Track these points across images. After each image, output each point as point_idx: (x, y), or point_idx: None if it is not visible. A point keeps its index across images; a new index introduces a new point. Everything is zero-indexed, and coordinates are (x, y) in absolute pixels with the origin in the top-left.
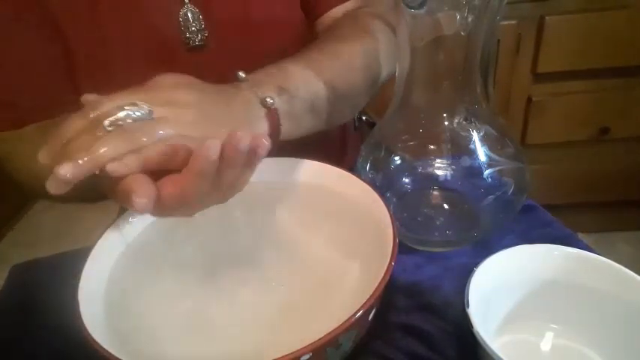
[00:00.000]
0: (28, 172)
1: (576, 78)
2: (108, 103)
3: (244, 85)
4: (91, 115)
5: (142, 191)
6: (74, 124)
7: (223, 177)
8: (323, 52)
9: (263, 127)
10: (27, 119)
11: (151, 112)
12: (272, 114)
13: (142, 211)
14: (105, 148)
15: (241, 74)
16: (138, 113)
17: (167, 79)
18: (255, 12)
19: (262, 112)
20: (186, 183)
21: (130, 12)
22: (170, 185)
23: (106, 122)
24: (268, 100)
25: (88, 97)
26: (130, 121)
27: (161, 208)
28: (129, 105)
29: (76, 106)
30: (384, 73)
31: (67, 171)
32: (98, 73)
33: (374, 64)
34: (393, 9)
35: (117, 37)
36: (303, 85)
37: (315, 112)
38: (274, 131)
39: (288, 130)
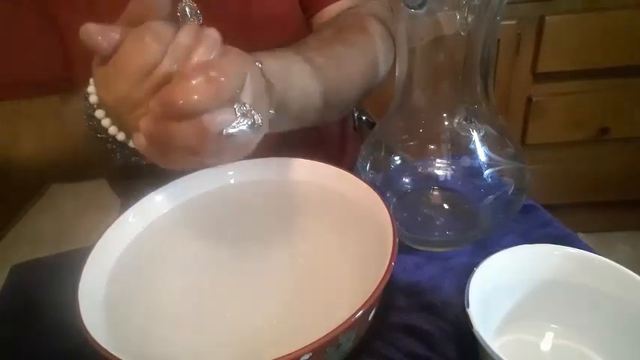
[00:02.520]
0: None
1: (576, 78)
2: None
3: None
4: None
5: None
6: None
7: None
8: (327, 58)
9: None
10: (4, 95)
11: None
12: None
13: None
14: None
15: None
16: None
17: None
18: (254, 9)
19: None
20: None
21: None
22: None
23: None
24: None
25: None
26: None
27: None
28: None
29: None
30: (380, 76)
31: None
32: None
33: (371, 72)
34: (393, 9)
35: None
36: (299, 98)
37: (299, 120)
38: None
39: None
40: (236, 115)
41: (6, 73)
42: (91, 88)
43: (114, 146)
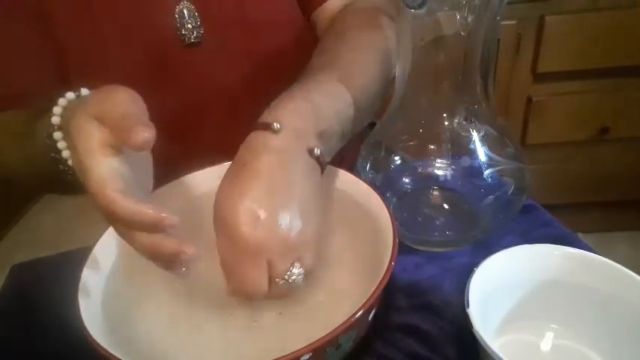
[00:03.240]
0: None
1: (576, 78)
2: None
3: (288, 139)
4: None
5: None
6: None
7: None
8: (353, 64)
9: (317, 173)
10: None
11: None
12: (320, 161)
13: None
14: None
15: (276, 125)
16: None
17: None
18: (250, 9)
19: (313, 162)
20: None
21: (126, 8)
22: None
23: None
24: (316, 151)
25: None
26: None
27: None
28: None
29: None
30: (393, 71)
31: None
32: (93, 70)
33: (389, 70)
34: (394, 8)
35: (112, 33)
36: (336, 117)
37: (344, 136)
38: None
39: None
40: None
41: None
42: (56, 109)
43: (66, 168)
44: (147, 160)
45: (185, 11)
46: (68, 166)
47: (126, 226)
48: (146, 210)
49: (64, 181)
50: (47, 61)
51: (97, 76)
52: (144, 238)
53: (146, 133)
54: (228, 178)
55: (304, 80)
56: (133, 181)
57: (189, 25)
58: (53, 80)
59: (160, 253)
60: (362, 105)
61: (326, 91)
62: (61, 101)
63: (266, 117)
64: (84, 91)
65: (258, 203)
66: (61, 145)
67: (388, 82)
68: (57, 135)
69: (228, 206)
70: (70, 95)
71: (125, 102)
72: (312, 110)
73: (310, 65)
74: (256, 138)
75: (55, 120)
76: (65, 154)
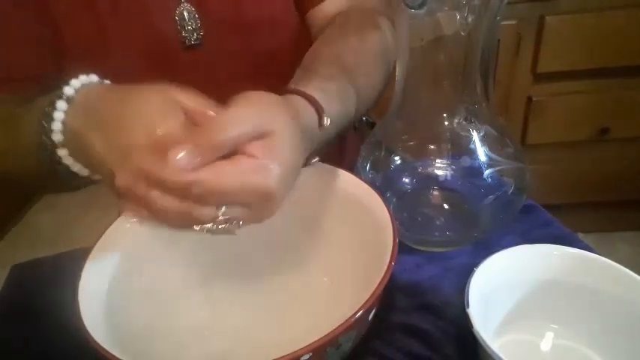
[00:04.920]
0: None
1: (576, 78)
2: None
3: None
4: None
5: None
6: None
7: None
8: (357, 55)
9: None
10: None
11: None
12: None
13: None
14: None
15: (327, 121)
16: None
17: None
18: (249, 11)
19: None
20: None
21: (127, 10)
22: None
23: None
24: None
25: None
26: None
27: None
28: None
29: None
30: (392, 67)
31: None
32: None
33: (387, 70)
34: (393, 8)
35: (114, 35)
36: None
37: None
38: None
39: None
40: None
41: None
42: (57, 114)
43: (57, 157)
44: None
45: (185, 13)
46: (57, 155)
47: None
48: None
49: (50, 172)
50: (44, 46)
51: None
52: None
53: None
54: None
55: (320, 71)
56: None
57: (189, 27)
58: (51, 70)
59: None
60: (360, 106)
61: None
62: (74, 82)
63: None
64: (93, 77)
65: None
66: (57, 115)
67: (386, 81)
68: (60, 104)
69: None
70: (85, 79)
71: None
72: (321, 92)
73: (319, 54)
74: (305, 108)
75: (68, 91)
76: (57, 137)
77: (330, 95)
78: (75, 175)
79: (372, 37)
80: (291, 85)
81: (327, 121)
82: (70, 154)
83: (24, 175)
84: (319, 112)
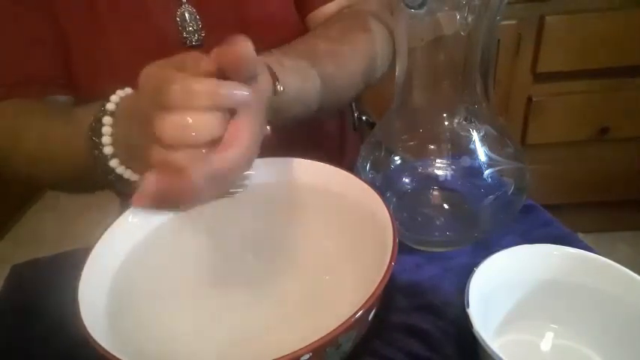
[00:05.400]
0: None
1: (576, 78)
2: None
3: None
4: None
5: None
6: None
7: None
8: (332, 44)
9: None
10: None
11: None
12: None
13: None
14: None
15: (280, 88)
16: None
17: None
18: (251, 12)
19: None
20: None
21: (128, 11)
22: None
23: None
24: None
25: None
26: None
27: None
28: None
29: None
30: (378, 72)
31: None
32: (95, 70)
33: (370, 70)
34: (393, 9)
35: (115, 36)
36: (301, 79)
37: (298, 101)
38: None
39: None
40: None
41: (7, 73)
42: (105, 129)
43: (101, 155)
44: None
45: (186, 14)
46: (104, 154)
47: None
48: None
49: (92, 171)
50: (55, 50)
51: (101, 78)
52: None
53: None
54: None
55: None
56: None
57: (190, 28)
58: (58, 72)
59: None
60: (329, 94)
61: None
62: (113, 98)
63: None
64: (128, 90)
65: None
66: (105, 130)
67: (368, 80)
68: (106, 119)
69: None
70: (121, 92)
71: None
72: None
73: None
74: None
75: (110, 106)
76: (106, 139)
77: (286, 68)
78: (127, 181)
79: (356, 35)
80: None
81: (280, 88)
82: (121, 163)
83: (69, 177)
84: (273, 78)
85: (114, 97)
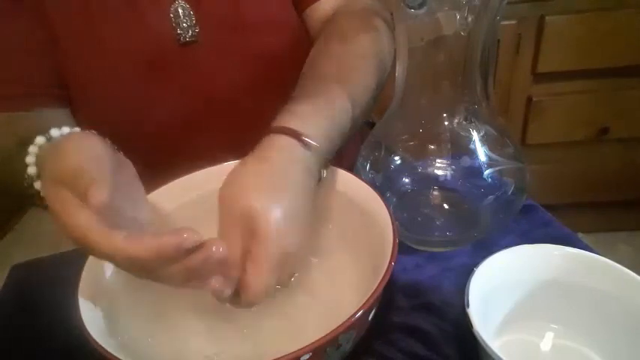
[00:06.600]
0: None
1: (576, 78)
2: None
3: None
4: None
5: None
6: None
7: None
8: (355, 75)
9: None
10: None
11: None
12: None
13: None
14: None
15: (313, 143)
16: None
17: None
18: (245, 9)
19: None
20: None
21: (122, 7)
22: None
23: None
24: (322, 173)
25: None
26: None
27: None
28: None
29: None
30: (388, 70)
31: None
32: (90, 70)
33: (384, 74)
34: (393, 9)
35: (109, 32)
36: (340, 134)
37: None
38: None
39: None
40: None
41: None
42: (29, 158)
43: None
44: (135, 186)
45: (180, 10)
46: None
47: (152, 266)
48: (166, 240)
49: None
50: (46, 60)
51: (95, 75)
52: (175, 267)
53: (98, 197)
54: (254, 175)
55: (315, 89)
56: (124, 218)
57: (184, 24)
58: (52, 81)
59: (202, 269)
60: (356, 116)
61: (338, 108)
62: (32, 149)
63: (295, 124)
64: (54, 132)
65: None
66: (31, 170)
67: (382, 86)
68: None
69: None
70: (40, 140)
71: (78, 157)
72: (324, 117)
73: (315, 67)
74: (289, 146)
75: (31, 170)
76: (30, 159)
77: (309, 116)
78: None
79: (363, 41)
80: (272, 124)
81: (324, 174)
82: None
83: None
84: (301, 139)
85: (32, 148)
